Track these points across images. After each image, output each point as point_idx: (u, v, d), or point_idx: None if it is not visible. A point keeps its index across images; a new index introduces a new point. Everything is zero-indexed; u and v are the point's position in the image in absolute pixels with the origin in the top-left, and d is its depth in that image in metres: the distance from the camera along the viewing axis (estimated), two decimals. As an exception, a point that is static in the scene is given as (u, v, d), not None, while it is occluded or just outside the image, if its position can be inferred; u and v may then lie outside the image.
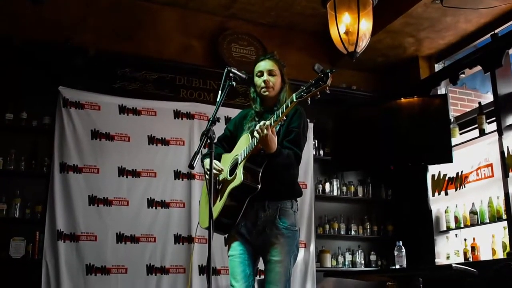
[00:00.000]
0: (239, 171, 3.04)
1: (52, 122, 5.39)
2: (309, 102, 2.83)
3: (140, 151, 5.59)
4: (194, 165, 2.87)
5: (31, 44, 5.41)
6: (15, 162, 5.27)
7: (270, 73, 3.32)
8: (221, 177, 3.24)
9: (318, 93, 2.77)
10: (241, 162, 3.08)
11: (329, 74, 2.74)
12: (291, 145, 3.15)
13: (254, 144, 3.00)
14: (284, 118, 2.99)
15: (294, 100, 2.83)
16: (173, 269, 5.43)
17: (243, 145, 3.15)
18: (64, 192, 5.24)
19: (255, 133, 2.96)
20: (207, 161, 3.16)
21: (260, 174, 3.06)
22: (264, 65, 3.35)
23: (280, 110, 2.93)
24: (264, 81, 3.29)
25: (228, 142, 3.46)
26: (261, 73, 3.33)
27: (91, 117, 5.49)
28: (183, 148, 5.70)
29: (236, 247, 3.20)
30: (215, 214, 3.11)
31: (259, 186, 3.04)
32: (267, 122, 2.93)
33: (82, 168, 5.36)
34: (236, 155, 3.19)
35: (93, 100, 5.54)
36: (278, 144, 3.04)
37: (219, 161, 3.32)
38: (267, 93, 3.30)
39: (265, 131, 2.91)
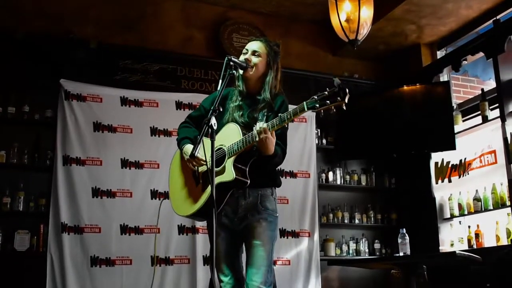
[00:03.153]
0: (229, 167, 2.98)
1: (54, 115, 5.40)
2: (321, 114, 2.80)
3: (143, 142, 5.60)
4: (196, 155, 2.85)
5: (32, 37, 5.44)
6: (18, 155, 5.28)
7: (254, 53, 3.21)
8: (202, 168, 3.11)
9: (333, 107, 2.73)
10: (230, 157, 3.00)
11: (347, 91, 2.69)
12: (279, 140, 3.07)
13: (248, 142, 2.93)
14: (272, 108, 2.95)
15: (305, 109, 2.76)
16: (177, 260, 5.45)
17: (232, 137, 3.04)
18: (68, 185, 5.26)
19: (254, 133, 2.89)
20: (187, 147, 3.13)
21: (247, 170, 3.02)
22: (250, 45, 3.26)
23: (286, 114, 2.84)
24: (245, 59, 3.19)
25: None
26: (246, 52, 3.24)
27: (93, 110, 5.49)
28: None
29: (220, 241, 3.13)
30: (197, 204, 3.08)
31: (249, 181, 3.00)
32: (264, 125, 2.86)
33: (85, 161, 5.36)
34: (221, 145, 3.07)
35: (95, 92, 5.54)
36: None
37: (194, 144, 3.08)
38: (243, 71, 3.17)
39: (265, 134, 2.86)
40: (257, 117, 3.11)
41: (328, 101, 2.72)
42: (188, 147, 3.15)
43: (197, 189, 3.15)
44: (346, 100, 2.70)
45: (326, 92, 2.73)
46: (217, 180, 2.96)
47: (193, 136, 3.24)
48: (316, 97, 2.75)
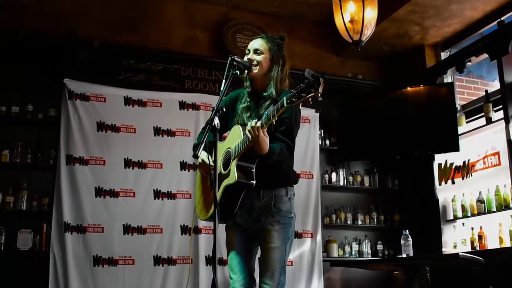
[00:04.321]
0: (233, 169, 2.99)
1: (57, 115, 5.40)
2: (300, 106, 2.78)
3: (146, 142, 5.60)
4: (199, 155, 2.86)
5: (35, 37, 5.42)
6: (22, 154, 5.29)
7: (256, 51, 3.22)
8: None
9: (310, 99, 2.65)
10: (233, 160, 3.02)
11: (321, 80, 2.60)
12: (284, 137, 3.08)
13: (245, 143, 2.93)
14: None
15: (285, 105, 2.72)
16: (180, 260, 5.44)
17: (235, 139, 3.06)
18: (71, 184, 5.25)
19: (247, 133, 2.89)
20: (202, 153, 3.10)
21: (253, 171, 3.01)
22: (251, 44, 3.27)
23: (271, 111, 2.82)
24: (248, 59, 3.20)
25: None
26: (248, 52, 3.26)
27: (96, 109, 5.49)
28: (189, 139, 5.70)
29: (234, 240, 3.18)
30: (211, 209, 3.09)
31: (254, 182, 3.00)
32: (258, 123, 2.84)
33: (88, 160, 5.37)
34: (229, 148, 3.12)
35: (99, 92, 5.54)
36: (271, 134, 2.97)
37: (212, 150, 3.08)
38: (248, 71, 3.19)
39: (256, 132, 2.83)
40: (263, 115, 3.10)
41: (304, 94, 2.65)
42: (203, 153, 3.14)
43: (211, 193, 3.16)
44: (320, 90, 2.60)
45: (303, 85, 2.67)
46: (225, 183, 3.03)
47: (209, 142, 3.23)
48: (294, 90, 2.70)
